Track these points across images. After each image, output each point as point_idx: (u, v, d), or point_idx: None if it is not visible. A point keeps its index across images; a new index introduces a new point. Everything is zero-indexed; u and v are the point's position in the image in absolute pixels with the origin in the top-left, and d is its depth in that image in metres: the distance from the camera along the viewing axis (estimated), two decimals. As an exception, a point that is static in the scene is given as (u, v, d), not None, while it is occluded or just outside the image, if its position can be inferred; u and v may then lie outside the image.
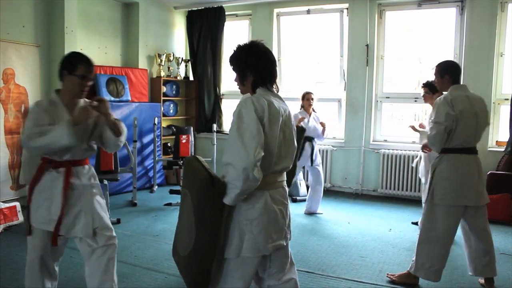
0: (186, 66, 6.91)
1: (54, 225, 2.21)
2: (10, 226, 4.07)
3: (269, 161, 1.79)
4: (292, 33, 6.49)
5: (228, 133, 1.82)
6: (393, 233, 4.24)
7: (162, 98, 6.44)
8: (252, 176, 1.66)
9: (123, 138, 2.39)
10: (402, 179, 5.60)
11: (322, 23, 6.30)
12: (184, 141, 5.35)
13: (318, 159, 4.90)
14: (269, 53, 1.91)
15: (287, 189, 1.97)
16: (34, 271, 2.32)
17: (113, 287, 2.27)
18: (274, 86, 1.94)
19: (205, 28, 6.64)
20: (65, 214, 2.22)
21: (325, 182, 6.08)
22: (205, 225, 1.76)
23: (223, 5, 6.46)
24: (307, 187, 5.16)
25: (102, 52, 5.90)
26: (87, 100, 2.38)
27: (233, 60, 1.93)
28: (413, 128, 3.91)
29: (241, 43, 1.93)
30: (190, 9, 6.80)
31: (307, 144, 4.75)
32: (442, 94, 2.98)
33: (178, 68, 6.81)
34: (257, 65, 1.87)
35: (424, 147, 3.20)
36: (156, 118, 5.89)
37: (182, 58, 6.85)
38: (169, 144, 6.61)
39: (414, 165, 4.77)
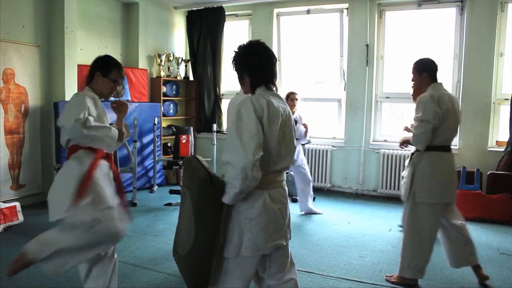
0: (186, 66, 6.91)
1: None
2: (10, 226, 4.07)
3: (268, 160, 1.79)
4: (292, 33, 6.49)
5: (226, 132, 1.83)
6: (393, 233, 4.24)
7: (162, 98, 6.44)
8: (251, 176, 1.67)
9: (122, 143, 2.51)
10: (402, 179, 5.59)
11: (322, 23, 6.30)
12: (184, 141, 5.35)
13: (301, 160, 4.85)
14: (267, 52, 1.90)
15: (286, 188, 1.97)
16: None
17: None
18: (273, 85, 1.94)
19: (205, 28, 6.64)
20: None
21: (325, 182, 6.10)
22: (205, 224, 1.77)
23: (223, 5, 6.47)
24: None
25: (102, 52, 5.76)
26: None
27: (233, 61, 1.95)
28: (407, 129, 3.81)
29: (240, 44, 1.94)
30: (190, 9, 6.80)
31: None
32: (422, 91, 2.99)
33: (178, 68, 6.81)
34: (253, 65, 1.88)
35: (403, 144, 3.17)
36: (156, 118, 5.89)
37: (182, 58, 6.85)
38: (169, 144, 6.61)
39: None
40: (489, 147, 5.25)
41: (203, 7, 6.62)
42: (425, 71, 2.94)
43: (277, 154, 1.82)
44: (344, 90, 5.96)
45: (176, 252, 1.98)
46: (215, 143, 5.98)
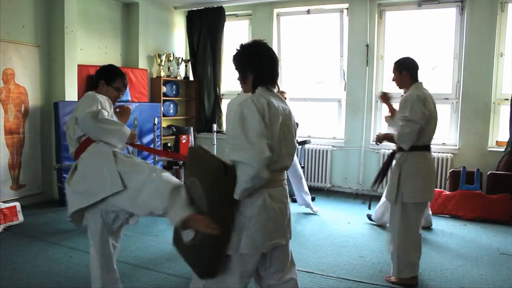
0: (186, 66, 6.91)
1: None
2: (10, 226, 4.07)
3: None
4: (292, 33, 6.50)
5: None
6: (393, 233, 4.23)
7: (162, 98, 6.44)
8: (261, 175, 1.68)
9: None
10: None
11: (322, 23, 6.30)
12: (184, 141, 5.36)
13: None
14: (270, 52, 1.91)
15: (287, 188, 1.97)
16: None
17: None
18: (275, 86, 1.94)
19: (205, 28, 6.64)
20: None
21: (325, 182, 6.10)
22: (219, 211, 1.76)
23: (223, 5, 6.47)
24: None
25: (102, 52, 5.90)
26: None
27: (235, 59, 1.95)
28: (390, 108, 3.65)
29: (244, 43, 1.94)
30: (190, 9, 6.80)
31: None
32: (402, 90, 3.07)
33: (178, 68, 6.81)
34: (257, 64, 1.88)
35: (380, 140, 3.14)
36: (156, 118, 5.88)
37: (182, 58, 6.85)
38: (169, 144, 6.60)
39: None
40: (489, 147, 5.25)
41: (203, 7, 6.62)
42: (405, 69, 3.00)
43: (277, 153, 1.82)
44: (344, 90, 5.96)
45: (180, 241, 1.95)
46: (215, 143, 5.97)
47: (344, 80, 5.95)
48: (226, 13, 6.54)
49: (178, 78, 6.75)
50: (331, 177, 6.08)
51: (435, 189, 5.07)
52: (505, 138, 5.09)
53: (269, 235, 1.83)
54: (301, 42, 6.44)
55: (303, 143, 5.52)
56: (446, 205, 4.85)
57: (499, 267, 3.37)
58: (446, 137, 5.59)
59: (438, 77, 5.95)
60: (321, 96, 6.25)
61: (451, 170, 5.11)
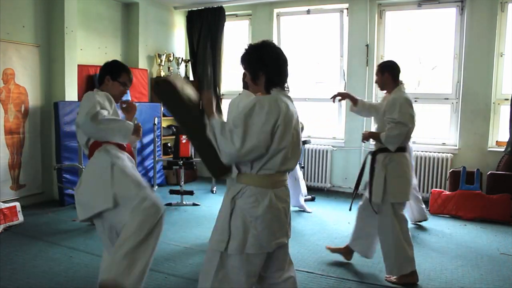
0: (186, 66, 6.91)
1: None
2: (10, 226, 4.07)
3: (278, 161, 1.82)
4: (292, 33, 6.50)
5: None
6: (393, 233, 4.23)
7: (162, 98, 6.43)
8: (228, 162, 1.82)
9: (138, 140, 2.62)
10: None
11: (322, 23, 6.30)
12: (184, 141, 5.35)
13: None
14: (281, 53, 1.93)
15: (289, 187, 1.99)
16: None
17: None
18: (287, 87, 1.96)
19: (205, 28, 6.64)
20: None
21: (325, 182, 6.10)
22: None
23: (223, 5, 6.46)
24: (307, 187, 5.16)
25: (102, 52, 5.90)
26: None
27: (245, 59, 1.93)
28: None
29: (253, 43, 1.94)
30: (190, 9, 6.80)
31: None
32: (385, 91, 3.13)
33: (178, 68, 6.81)
34: (270, 65, 1.88)
35: (367, 139, 3.20)
36: (156, 118, 5.90)
37: (182, 58, 6.85)
38: (169, 144, 6.61)
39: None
40: (489, 147, 5.25)
41: (203, 7, 6.62)
42: (387, 71, 3.08)
43: (285, 155, 1.84)
44: (344, 90, 5.96)
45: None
46: (215, 143, 5.98)
47: (344, 80, 5.95)
48: (226, 13, 6.54)
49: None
50: (331, 177, 6.08)
51: (435, 189, 5.13)
52: (505, 138, 5.09)
53: (274, 234, 1.86)
54: (301, 42, 6.44)
55: (303, 143, 5.52)
56: (446, 205, 4.85)
57: (499, 267, 3.37)
58: (446, 137, 5.59)
59: (438, 77, 5.95)
60: (321, 96, 6.25)
61: (451, 170, 5.11)
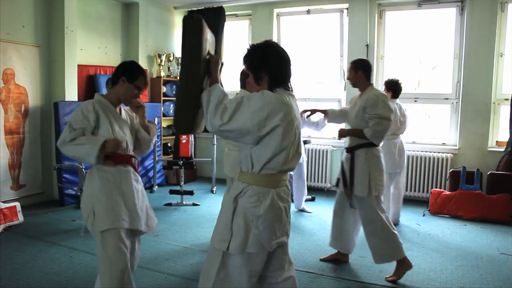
0: (186, 66, 6.90)
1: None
2: (10, 226, 4.07)
3: (280, 160, 1.82)
4: (292, 33, 6.50)
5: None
6: (393, 233, 4.23)
7: (162, 98, 6.44)
8: (210, 130, 1.83)
9: (154, 139, 2.51)
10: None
11: (322, 23, 6.30)
12: (184, 141, 5.36)
13: (301, 157, 4.94)
14: (284, 53, 1.92)
15: (289, 186, 1.99)
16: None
17: None
18: (290, 86, 1.95)
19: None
20: (140, 209, 2.30)
21: (325, 182, 6.10)
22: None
23: (223, 5, 6.47)
24: (307, 187, 5.16)
25: (102, 52, 5.90)
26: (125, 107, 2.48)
27: (248, 59, 1.93)
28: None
29: (255, 43, 1.93)
30: (190, 9, 6.80)
31: None
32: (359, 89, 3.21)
33: (178, 68, 6.80)
34: (272, 65, 1.88)
35: (344, 136, 3.26)
36: (156, 118, 5.89)
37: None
38: (169, 144, 6.61)
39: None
40: (489, 147, 5.25)
41: (203, 7, 6.62)
42: (360, 69, 3.15)
43: (287, 155, 1.84)
44: (344, 90, 5.96)
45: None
46: (215, 143, 5.99)
47: (344, 80, 5.95)
48: (226, 13, 6.54)
49: (178, 78, 6.75)
50: (331, 177, 6.08)
51: (435, 189, 5.12)
52: (505, 138, 5.09)
53: (275, 234, 1.86)
54: (301, 42, 6.44)
55: (303, 143, 5.52)
56: (446, 205, 4.85)
57: (499, 267, 3.37)
58: (446, 137, 5.59)
59: (438, 77, 5.96)
60: (321, 96, 6.25)
61: (451, 170, 5.11)
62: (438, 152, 5.43)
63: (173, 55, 6.65)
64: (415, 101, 5.69)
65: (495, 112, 5.28)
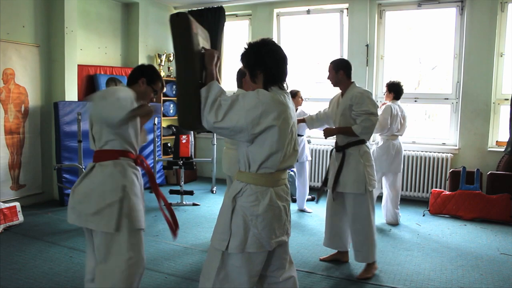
0: (186, 66, 6.90)
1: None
2: (10, 226, 4.07)
3: (277, 159, 1.83)
4: (292, 33, 6.50)
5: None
6: (393, 233, 4.24)
7: (162, 98, 6.44)
8: (205, 126, 1.83)
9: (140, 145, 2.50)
10: (401, 179, 5.58)
11: (322, 23, 6.30)
12: (184, 141, 5.35)
13: (305, 156, 4.97)
14: (279, 51, 1.91)
15: (289, 185, 1.99)
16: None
17: None
18: (285, 85, 1.95)
19: (205, 28, 6.62)
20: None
21: (325, 182, 6.09)
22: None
23: (223, 5, 6.47)
24: (314, 189, 5.17)
25: (102, 52, 5.90)
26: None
27: (244, 58, 1.93)
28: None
29: (252, 41, 1.94)
30: (190, 9, 6.80)
31: None
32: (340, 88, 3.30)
33: (178, 68, 6.80)
34: (267, 63, 1.88)
35: (330, 135, 3.28)
36: (156, 118, 5.89)
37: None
38: (169, 144, 6.61)
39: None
40: (489, 147, 5.25)
41: (203, 7, 6.62)
42: (341, 69, 3.22)
43: (285, 153, 1.85)
44: (344, 90, 5.95)
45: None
46: (215, 143, 5.98)
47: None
48: (226, 13, 6.54)
49: (175, 76, 6.74)
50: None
51: (435, 189, 5.12)
52: (505, 138, 5.09)
53: (274, 233, 1.86)
54: (301, 42, 6.44)
55: (306, 142, 5.51)
56: (446, 205, 4.85)
57: (499, 267, 3.37)
58: (446, 137, 5.59)
59: (438, 77, 5.96)
60: (321, 96, 6.25)
61: (451, 170, 5.11)
62: (438, 152, 5.43)
63: (173, 55, 6.62)
64: (415, 101, 5.69)
65: (495, 112, 5.28)
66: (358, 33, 5.78)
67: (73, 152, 4.91)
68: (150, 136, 5.92)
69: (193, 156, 5.43)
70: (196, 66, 1.86)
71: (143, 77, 2.33)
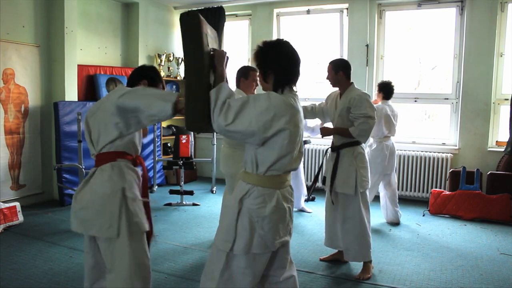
0: (186, 66, 6.90)
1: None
2: (10, 226, 4.07)
3: (286, 162, 1.83)
4: (292, 33, 6.49)
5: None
6: (393, 233, 4.24)
7: (162, 98, 6.43)
8: (215, 130, 1.82)
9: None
10: (401, 179, 5.60)
11: (322, 23, 6.30)
12: (184, 141, 5.35)
13: None
14: (293, 53, 1.90)
15: (300, 190, 2.01)
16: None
17: None
18: (295, 87, 1.94)
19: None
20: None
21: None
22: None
23: (223, 5, 6.46)
24: (307, 187, 5.16)
25: (102, 52, 5.90)
26: None
27: (257, 56, 1.92)
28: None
29: (267, 40, 1.92)
30: (190, 9, 6.79)
31: None
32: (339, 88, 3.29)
33: (178, 68, 6.81)
34: (280, 64, 1.87)
35: (328, 134, 3.27)
36: (156, 118, 5.88)
37: (182, 58, 6.85)
38: (169, 144, 6.61)
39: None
40: (489, 147, 5.25)
41: (203, 7, 6.61)
42: (340, 70, 3.22)
43: (290, 156, 1.85)
44: (344, 90, 5.95)
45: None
46: (215, 143, 5.98)
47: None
48: (226, 13, 6.54)
49: (178, 78, 6.75)
50: (331, 177, 6.07)
51: (435, 189, 5.12)
52: (505, 138, 5.09)
53: (279, 233, 1.87)
54: (301, 42, 6.43)
55: (303, 143, 5.52)
56: (446, 205, 4.85)
57: (499, 267, 3.37)
58: (446, 137, 5.59)
59: (438, 77, 5.96)
60: (321, 96, 6.23)
61: (451, 170, 5.11)
62: (438, 152, 5.43)
63: (173, 55, 6.65)
64: (415, 101, 5.69)
65: (495, 112, 5.28)
66: (358, 33, 5.78)
67: (73, 152, 4.91)
68: (150, 136, 5.92)
69: (193, 156, 5.43)
70: (206, 67, 1.84)
71: (145, 79, 2.28)
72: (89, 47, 5.66)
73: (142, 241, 2.10)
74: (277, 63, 1.86)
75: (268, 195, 1.83)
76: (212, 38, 2.03)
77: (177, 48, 6.97)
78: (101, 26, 5.88)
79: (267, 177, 1.84)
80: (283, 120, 1.76)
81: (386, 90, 4.48)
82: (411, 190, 5.58)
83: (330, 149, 3.32)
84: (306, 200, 5.18)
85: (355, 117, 3.08)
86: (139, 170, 2.26)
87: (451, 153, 5.38)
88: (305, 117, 3.56)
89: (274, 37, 6.38)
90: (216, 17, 6.53)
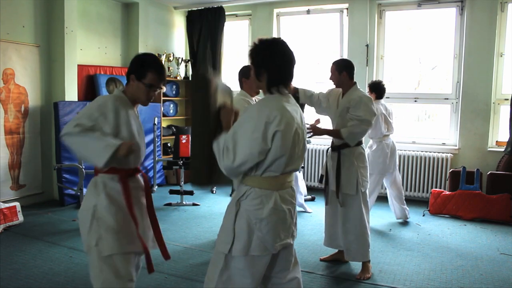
0: (186, 66, 6.91)
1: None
2: (10, 226, 4.07)
3: (282, 163, 1.81)
4: (292, 33, 6.49)
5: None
6: (393, 233, 4.24)
7: (162, 98, 6.43)
8: (228, 175, 1.83)
9: None
10: (402, 179, 5.58)
11: (322, 23, 6.30)
12: (184, 141, 5.35)
13: None
14: (288, 53, 1.88)
15: (294, 188, 1.98)
16: None
17: None
18: (288, 87, 1.91)
19: (205, 28, 6.64)
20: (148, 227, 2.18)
21: (325, 182, 6.09)
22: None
23: (223, 5, 6.46)
24: (307, 187, 5.16)
25: (102, 52, 5.90)
26: None
27: (251, 54, 1.90)
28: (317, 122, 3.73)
29: (263, 38, 1.90)
30: (190, 9, 6.80)
31: None
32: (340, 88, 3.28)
33: (178, 68, 6.81)
34: (274, 64, 1.85)
35: (319, 134, 3.27)
36: (156, 118, 5.89)
37: (182, 58, 6.85)
38: (169, 144, 6.61)
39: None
40: (489, 147, 5.25)
41: (203, 7, 6.62)
42: (344, 70, 3.19)
43: (290, 156, 1.83)
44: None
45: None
46: (215, 143, 5.97)
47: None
48: (226, 13, 6.54)
49: (178, 78, 6.75)
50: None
51: (435, 189, 5.13)
52: (505, 138, 5.09)
53: (279, 236, 1.85)
54: (301, 42, 6.44)
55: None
56: (446, 205, 4.85)
57: (499, 267, 3.37)
58: (446, 137, 5.59)
59: (438, 77, 5.96)
60: (321, 96, 6.25)
61: (451, 170, 5.11)
62: (438, 152, 5.43)
63: (173, 55, 6.64)
64: (415, 101, 5.69)
65: (495, 112, 5.28)
66: (358, 33, 5.78)
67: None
68: (150, 136, 5.93)
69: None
70: (211, 125, 1.89)
71: (132, 73, 1.98)
72: (89, 47, 5.65)
73: (109, 263, 1.93)
74: (271, 62, 1.84)
75: (266, 196, 1.81)
76: (225, 93, 2.06)
77: (177, 48, 6.97)
78: (101, 26, 5.88)
79: (265, 178, 1.82)
80: (273, 124, 1.74)
81: (378, 89, 4.49)
82: (411, 190, 5.57)
83: (330, 148, 3.32)
84: (307, 200, 5.18)
85: (350, 118, 3.07)
86: (139, 180, 2.09)
87: (451, 153, 5.38)
88: (302, 100, 3.56)
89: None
90: (216, 17, 6.53)
